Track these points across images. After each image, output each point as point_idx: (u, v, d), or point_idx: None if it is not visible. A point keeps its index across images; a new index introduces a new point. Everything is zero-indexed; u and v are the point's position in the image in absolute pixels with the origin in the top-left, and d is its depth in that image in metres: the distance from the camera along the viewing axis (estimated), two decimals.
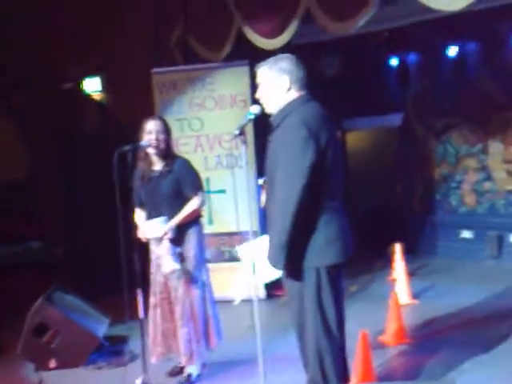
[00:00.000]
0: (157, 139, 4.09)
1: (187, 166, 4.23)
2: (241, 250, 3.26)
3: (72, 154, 7.25)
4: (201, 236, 4.28)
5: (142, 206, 4.25)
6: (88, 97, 7.63)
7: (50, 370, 4.71)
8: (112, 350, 5.02)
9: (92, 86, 7.56)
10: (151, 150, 4.12)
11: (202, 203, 4.20)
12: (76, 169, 7.24)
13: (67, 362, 4.72)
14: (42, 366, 4.73)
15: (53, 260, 7.33)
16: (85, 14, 6.86)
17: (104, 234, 5.58)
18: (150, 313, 4.21)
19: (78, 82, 7.55)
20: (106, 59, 7.06)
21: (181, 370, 4.31)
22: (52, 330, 4.75)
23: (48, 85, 7.29)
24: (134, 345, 4.94)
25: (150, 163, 4.18)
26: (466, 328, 5.00)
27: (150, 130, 4.10)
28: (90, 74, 7.48)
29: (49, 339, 4.74)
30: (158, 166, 4.18)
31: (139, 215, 4.25)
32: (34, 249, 7.51)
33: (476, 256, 7.45)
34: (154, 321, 4.22)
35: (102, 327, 5.14)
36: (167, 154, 4.17)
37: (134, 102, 6.91)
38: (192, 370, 4.23)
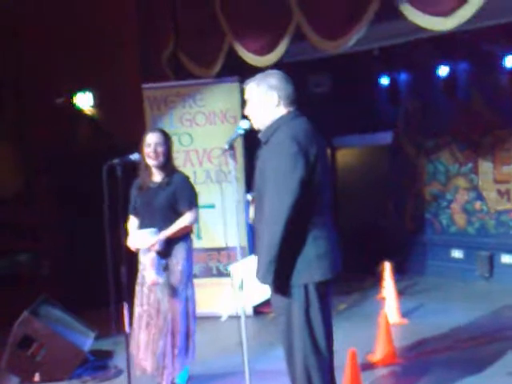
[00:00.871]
0: (155, 151, 4.15)
1: (186, 181, 4.29)
2: (233, 268, 3.23)
3: (63, 168, 7.23)
4: (189, 251, 4.28)
5: (136, 214, 4.29)
6: (80, 111, 7.64)
7: (35, 383, 4.65)
8: (97, 364, 4.98)
9: (84, 100, 7.58)
10: (150, 162, 4.18)
11: (195, 219, 4.24)
12: (66, 182, 7.22)
13: (52, 375, 4.68)
14: (26, 379, 4.69)
15: (40, 272, 7.30)
16: (78, 29, 6.89)
17: (92, 247, 5.56)
18: (135, 324, 4.18)
19: (71, 97, 7.56)
20: (97, 74, 7.07)
21: None
22: (37, 343, 4.71)
23: (41, 99, 7.30)
24: (119, 359, 4.90)
25: (150, 174, 4.24)
26: (456, 348, 4.97)
27: (149, 142, 4.18)
28: (82, 88, 7.48)
29: (34, 352, 4.70)
30: (157, 177, 4.24)
31: (132, 223, 4.29)
32: (21, 261, 7.47)
33: (466, 276, 7.45)
34: (138, 332, 4.18)
35: (87, 341, 5.09)
36: (166, 166, 4.23)
37: (126, 116, 6.93)
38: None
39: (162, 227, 4.10)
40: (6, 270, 7.29)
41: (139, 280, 4.24)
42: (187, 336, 4.23)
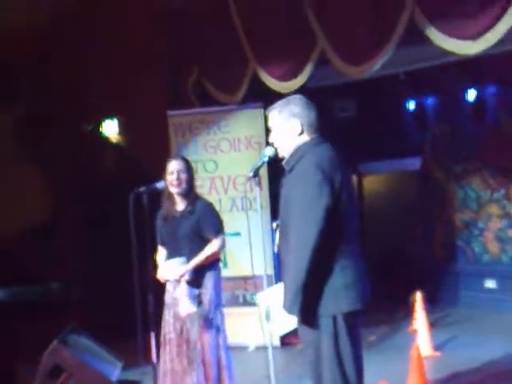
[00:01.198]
0: (178, 179, 4.13)
1: (209, 207, 4.26)
2: (260, 297, 3.16)
3: (91, 196, 7.29)
4: (218, 279, 4.24)
5: (163, 245, 4.27)
6: (106, 139, 7.70)
7: None
8: None
9: (110, 128, 7.65)
10: (173, 190, 4.15)
11: (222, 246, 4.21)
12: (93, 210, 7.27)
13: None
14: None
15: (70, 301, 7.33)
16: (105, 56, 6.97)
17: (119, 275, 5.56)
18: (161, 352, 4.13)
19: (97, 124, 7.63)
20: (123, 101, 7.13)
21: None
22: (66, 372, 4.70)
23: (68, 126, 7.39)
24: None
25: (173, 203, 4.21)
26: (490, 382, 4.81)
27: (172, 170, 4.16)
28: (108, 115, 7.55)
29: (63, 382, 4.69)
30: (180, 206, 4.21)
31: (161, 254, 4.27)
32: (51, 289, 7.52)
33: (500, 306, 7.18)
34: (164, 360, 4.13)
35: (115, 371, 5.08)
36: (189, 193, 4.20)
37: (151, 143, 6.96)
38: None
39: (188, 256, 4.06)
40: (37, 297, 7.34)
41: (165, 311, 4.19)
42: (219, 367, 4.15)
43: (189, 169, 4.22)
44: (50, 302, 7.28)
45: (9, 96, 7.44)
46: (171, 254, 4.13)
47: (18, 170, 7.55)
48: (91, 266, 7.33)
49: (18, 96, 7.52)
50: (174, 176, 4.13)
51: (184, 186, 4.16)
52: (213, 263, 4.20)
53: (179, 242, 4.12)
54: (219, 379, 4.16)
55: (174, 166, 4.16)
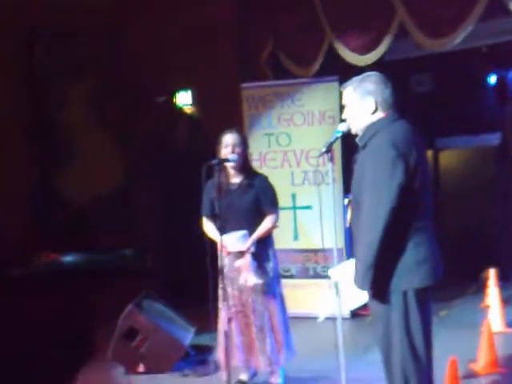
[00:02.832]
0: (233, 152, 4.16)
1: (268, 182, 4.31)
2: (332, 272, 3.22)
3: (165, 166, 7.47)
4: (274, 250, 4.34)
5: (212, 217, 4.26)
6: (180, 110, 7.84)
7: (138, 374, 4.84)
8: (198, 358, 5.09)
9: (183, 99, 7.76)
10: (231, 164, 4.18)
11: (277, 220, 4.28)
12: (166, 180, 7.44)
13: (155, 367, 4.83)
14: (130, 369, 4.88)
15: (143, 267, 7.57)
16: (179, 29, 7.08)
17: (193, 245, 5.71)
18: (227, 327, 4.15)
19: (171, 96, 7.77)
20: (197, 73, 7.23)
21: None
22: (141, 335, 4.88)
23: (143, 97, 7.57)
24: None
25: (227, 176, 4.24)
26: None
27: (227, 143, 4.18)
28: (182, 87, 7.67)
29: (138, 344, 4.87)
30: (235, 179, 4.25)
31: (211, 227, 4.28)
32: (126, 256, 7.78)
33: None
34: (232, 334, 4.21)
35: (187, 336, 5.23)
36: (244, 167, 4.24)
37: (224, 116, 7.03)
38: (278, 380, 4.26)
39: (247, 229, 4.14)
40: (111, 263, 7.62)
41: (224, 282, 4.10)
42: (287, 331, 4.30)
43: (244, 142, 4.26)
44: (124, 269, 7.54)
45: (85, 66, 7.70)
46: (228, 227, 4.13)
47: (93, 138, 7.83)
48: (164, 235, 7.54)
49: (94, 66, 7.75)
50: (229, 149, 4.16)
51: (239, 159, 4.18)
52: (269, 236, 4.30)
53: (237, 214, 4.16)
54: (288, 341, 4.28)
55: (229, 140, 4.18)
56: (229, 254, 4.17)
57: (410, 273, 2.96)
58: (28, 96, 7.84)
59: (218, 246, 4.10)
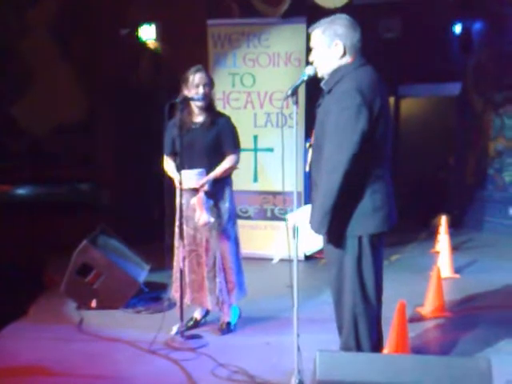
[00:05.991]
0: (202, 92, 4.09)
1: (230, 122, 4.26)
2: (289, 216, 3.24)
3: (125, 101, 7.31)
4: (232, 192, 4.32)
5: (172, 155, 4.25)
6: (143, 44, 7.63)
7: (91, 309, 4.83)
8: (151, 295, 5.14)
9: (147, 33, 7.54)
10: (197, 103, 4.13)
11: (238, 161, 4.25)
12: (128, 116, 7.31)
13: (108, 303, 4.84)
14: (83, 305, 4.87)
15: (100, 202, 7.49)
16: None
17: (152, 183, 5.64)
18: (181, 264, 4.21)
19: (135, 29, 7.54)
20: (161, 7, 7.00)
21: (195, 323, 4.41)
22: (95, 271, 4.86)
23: (105, 29, 7.31)
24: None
25: (190, 114, 4.18)
26: (506, 306, 4.90)
27: (198, 83, 4.10)
28: (146, 21, 7.44)
29: (91, 280, 4.85)
30: (198, 118, 4.19)
31: (170, 164, 4.27)
32: (82, 190, 7.66)
33: None
34: (187, 272, 4.24)
35: (142, 273, 5.23)
36: (209, 107, 4.19)
37: (188, 52, 6.88)
38: (229, 318, 4.32)
39: (206, 168, 4.11)
40: (67, 197, 7.49)
41: (180, 221, 4.13)
42: (239, 272, 4.33)
43: (211, 82, 4.20)
44: (81, 204, 7.44)
45: None
46: (187, 164, 4.10)
47: (53, 68, 7.56)
48: (123, 171, 7.44)
49: None
50: (200, 89, 4.09)
51: (207, 99, 4.13)
52: (227, 177, 4.27)
53: (198, 153, 4.12)
54: (240, 282, 4.32)
55: (200, 80, 4.10)
56: (182, 190, 4.13)
57: (366, 219, 3.01)
58: None
59: (176, 183, 4.12)
